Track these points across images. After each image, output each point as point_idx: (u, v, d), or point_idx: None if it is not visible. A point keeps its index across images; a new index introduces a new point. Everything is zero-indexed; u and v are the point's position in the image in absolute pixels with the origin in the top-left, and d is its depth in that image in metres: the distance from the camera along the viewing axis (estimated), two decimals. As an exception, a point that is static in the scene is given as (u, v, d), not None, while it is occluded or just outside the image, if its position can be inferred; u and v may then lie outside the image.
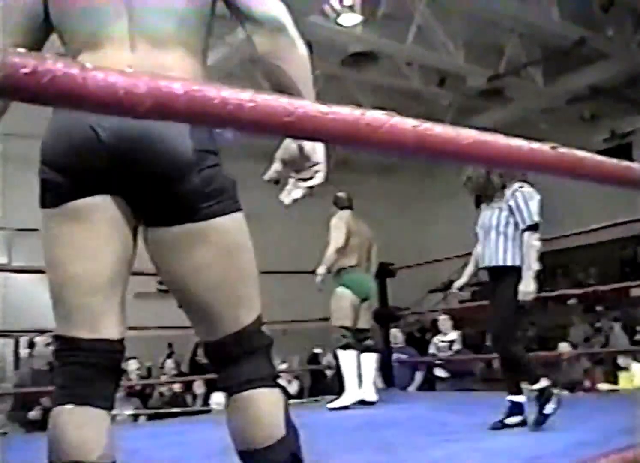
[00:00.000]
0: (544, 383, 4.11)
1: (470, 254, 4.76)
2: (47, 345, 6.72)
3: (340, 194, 6.65)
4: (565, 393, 7.27)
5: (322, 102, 0.94)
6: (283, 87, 1.66)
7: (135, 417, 9.19)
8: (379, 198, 17.33)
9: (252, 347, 1.70)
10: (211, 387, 10.33)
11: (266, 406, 1.68)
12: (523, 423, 4.18)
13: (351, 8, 11.20)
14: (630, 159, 1.98)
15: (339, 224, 6.28)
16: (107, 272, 1.63)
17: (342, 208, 6.52)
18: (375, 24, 11.48)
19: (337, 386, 6.38)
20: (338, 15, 11.23)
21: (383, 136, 0.97)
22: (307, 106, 0.90)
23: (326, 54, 12.72)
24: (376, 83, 13.61)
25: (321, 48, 12.57)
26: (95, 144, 1.56)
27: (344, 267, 6.19)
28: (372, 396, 6.10)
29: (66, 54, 1.68)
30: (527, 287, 4.14)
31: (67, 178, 1.63)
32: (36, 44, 1.73)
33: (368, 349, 6.24)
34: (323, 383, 10.80)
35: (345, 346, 6.07)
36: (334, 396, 6.17)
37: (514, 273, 4.21)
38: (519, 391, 4.27)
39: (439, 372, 9.22)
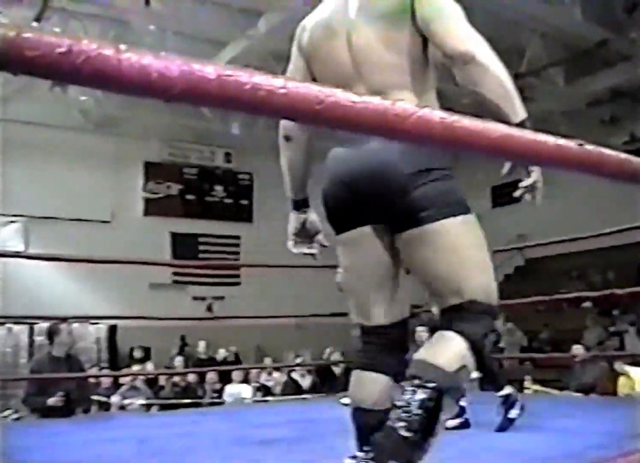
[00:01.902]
0: (507, 390, 4.27)
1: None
2: (69, 333, 6.75)
3: None
4: (579, 395, 7.24)
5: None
6: (489, 109, 1.97)
7: (147, 407, 9.23)
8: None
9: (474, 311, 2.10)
10: (225, 380, 10.37)
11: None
12: (464, 425, 4.29)
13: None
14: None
15: None
16: (375, 279, 2.20)
17: None
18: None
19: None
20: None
21: (411, 127, 0.97)
22: (338, 94, 0.89)
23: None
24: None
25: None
26: (345, 191, 2.15)
27: None
28: None
29: None
30: None
31: (340, 214, 2.20)
32: None
33: None
34: (332, 380, 10.81)
35: None
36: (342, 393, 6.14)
37: None
38: (502, 386, 4.35)
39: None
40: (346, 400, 5.89)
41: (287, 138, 2.27)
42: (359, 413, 2.20)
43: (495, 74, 1.96)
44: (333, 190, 2.16)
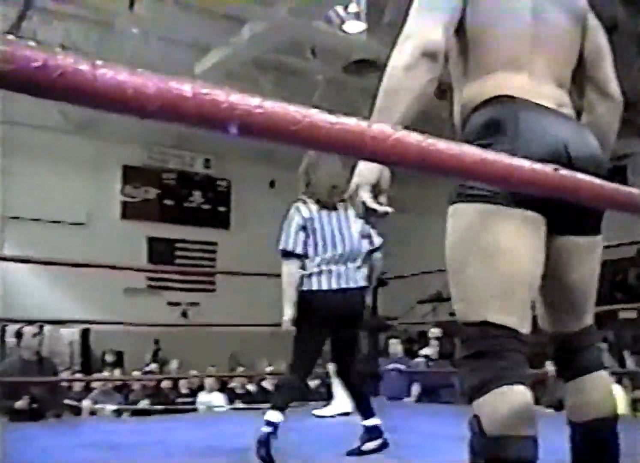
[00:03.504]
0: (375, 421, 4.13)
1: None
2: (35, 335, 6.70)
3: None
4: (551, 411, 7.26)
5: (327, 110, 0.93)
6: (599, 139, 1.99)
7: (119, 412, 9.18)
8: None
9: (593, 341, 2.07)
10: (198, 387, 10.34)
11: (606, 385, 2.07)
12: (384, 446, 4.10)
13: (356, 15, 11.22)
14: (625, 182, 2.07)
15: None
16: (538, 274, 1.85)
17: None
18: (379, 32, 11.49)
19: (321, 394, 6.35)
20: (343, 22, 11.25)
21: (388, 150, 0.97)
22: (315, 115, 0.89)
23: (329, 60, 12.75)
24: (377, 90, 13.62)
25: (324, 54, 12.61)
26: (564, 162, 1.69)
27: None
28: (347, 406, 6.05)
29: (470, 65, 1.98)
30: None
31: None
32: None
33: None
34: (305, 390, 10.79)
35: None
36: (314, 403, 6.14)
37: None
38: (372, 414, 4.18)
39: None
40: (319, 412, 5.89)
41: (433, 56, 1.79)
42: (534, 445, 1.71)
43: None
44: (537, 157, 1.55)
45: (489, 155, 1.09)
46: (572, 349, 2.05)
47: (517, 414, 1.69)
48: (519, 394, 1.72)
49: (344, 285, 4.09)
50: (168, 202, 15.54)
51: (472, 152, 1.06)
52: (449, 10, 1.87)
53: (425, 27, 1.82)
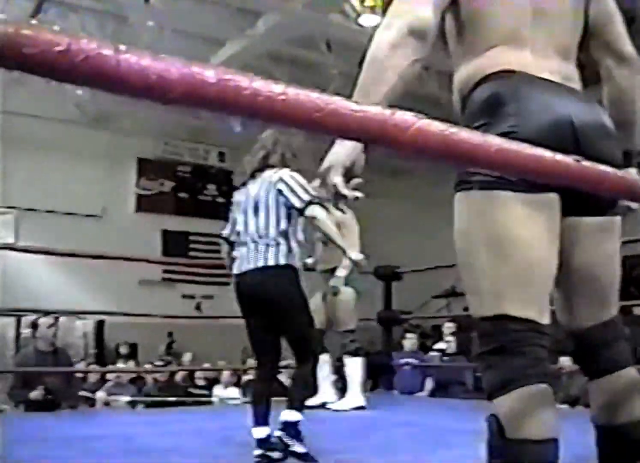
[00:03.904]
0: (297, 416, 3.74)
1: None
2: (50, 326, 6.73)
3: None
4: (565, 407, 7.24)
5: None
6: (625, 111, 1.98)
7: (132, 404, 9.21)
8: (388, 201, 17.32)
9: (618, 335, 1.91)
10: (213, 380, 10.36)
11: (636, 383, 1.89)
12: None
13: (372, 9, 11.18)
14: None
15: (353, 222, 6.14)
16: (554, 260, 1.74)
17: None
18: (395, 26, 11.45)
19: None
20: (359, 15, 11.21)
21: (409, 138, 0.96)
22: (337, 102, 0.89)
23: (344, 54, 12.71)
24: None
25: (339, 47, 12.57)
26: (569, 137, 1.67)
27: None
28: (360, 400, 6.02)
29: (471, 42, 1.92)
30: None
31: None
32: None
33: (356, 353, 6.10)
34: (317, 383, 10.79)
35: (356, 352, 6.00)
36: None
37: None
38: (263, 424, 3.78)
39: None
40: (334, 406, 5.86)
41: (421, 34, 1.71)
42: (555, 448, 1.65)
43: None
44: (543, 136, 1.61)
45: (511, 145, 1.08)
46: (594, 344, 1.89)
47: (539, 416, 1.63)
48: (540, 395, 1.64)
49: (244, 268, 3.84)
50: (183, 195, 15.55)
51: (494, 142, 1.06)
52: None
53: (414, 4, 1.72)
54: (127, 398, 9.15)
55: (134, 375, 10.22)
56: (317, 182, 1.88)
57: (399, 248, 14.80)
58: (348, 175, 1.76)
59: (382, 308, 7.42)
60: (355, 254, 4.41)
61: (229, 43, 11.67)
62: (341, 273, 5.82)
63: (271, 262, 3.74)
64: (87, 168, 13.70)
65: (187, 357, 12.35)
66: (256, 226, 3.82)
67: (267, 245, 3.76)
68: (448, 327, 9.74)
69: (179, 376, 10.52)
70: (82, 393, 8.55)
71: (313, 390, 4.34)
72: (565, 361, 8.26)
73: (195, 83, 0.79)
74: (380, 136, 0.93)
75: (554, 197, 1.70)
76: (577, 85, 1.89)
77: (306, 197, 3.76)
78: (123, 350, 12.85)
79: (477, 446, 3.90)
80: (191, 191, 15.67)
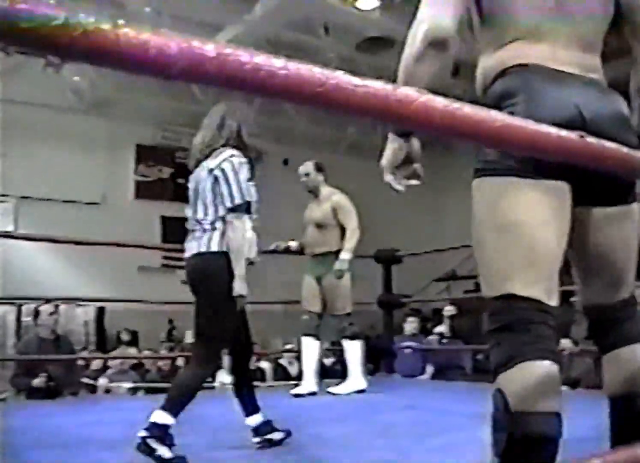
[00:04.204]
0: (258, 418, 3.60)
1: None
2: (51, 314, 6.73)
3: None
4: (566, 389, 7.26)
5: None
6: None
7: (134, 390, 9.22)
8: (388, 185, 17.27)
9: (632, 313, 2.00)
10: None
11: None
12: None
13: (369, -8, 11.15)
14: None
15: (350, 204, 6.06)
16: (562, 243, 1.82)
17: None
18: (392, 9, 11.41)
19: (337, 371, 6.33)
20: (356, -1, 11.18)
21: (412, 113, 0.95)
22: (339, 77, 0.88)
23: (342, 37, 12.68)
24: (390, 69, 13.52)
25: (337, 31, 12.53)
26: (578, 126, 1.62)
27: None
28: (362, 383, 5.99)
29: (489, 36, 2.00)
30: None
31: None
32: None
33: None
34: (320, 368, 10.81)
35: (355, 335, 5.98)
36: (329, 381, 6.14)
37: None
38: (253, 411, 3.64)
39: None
40: (334, 390, 5.86)
41: (441, 44, 1.81)
42: (557, 422, 1.72)
43: None
44: (556, 119, 1.59)
45: (515, 121, 1.07)
46: (609, 321, 2.00)
47: (542, 389, 1.69)
48: (543, 369, 1.70)
49: (187, 254, 3.79)
50: (181, 181, 15.51)
51: (498, 117, 1.05)
52: None
53: (436, 12, 1.82)
54: (129, 385, 9.17)
55: (135, 362, 10.24)
56: None
57: (399, 231, 14.81)
58: (408, 161, 1.91)
59: (382, 291, 7.41)
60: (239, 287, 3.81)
61: (227, 28, 11.64)
62: (346, 255, 5.77)
63: (203, 248, 3.64)
64: (85, 155, 13.67)
65: (188, 337, 12.34)
66: (194, 211, 3.78)
67: (204, 231, 3.67)
68: (448, 310, 9.75)
69: (181, 363, 10.53)
70: (83, 380, 8.57)
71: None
72: (566, 343, 8.29)
73: (195, 58, 0.78)
74: (384, 111, 0.92)
75: (562, 185, 1.77)
76: (597, 75, 1.93)
77: (237, 200, 3.62)
78: (124, 336, 12.87)
79: (479, 429, 3.91)
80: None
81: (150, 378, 9.84)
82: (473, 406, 4.79)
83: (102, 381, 9.10)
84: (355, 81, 0.89)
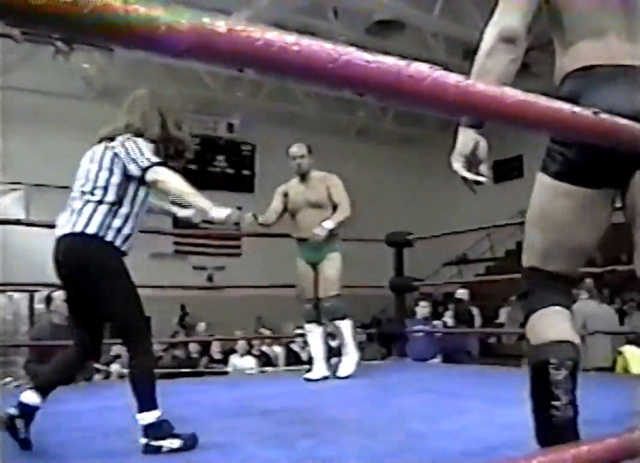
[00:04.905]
0: (152, 417, 3.20)
1: (487, 228, 4.57)
2: (64, 300, 6.75)
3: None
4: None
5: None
6: None
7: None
8: (400, 169, 17.26)
9: None
10: (229, 350, 10.40)
11: None
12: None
13: (379, -25, 11.09)
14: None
15: (337, 180, 5.91)
16: (585, 240, 2.14)
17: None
18: (402, -8, 11.37)
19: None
20: (365, -18, 11.13)
21: (425, 89, 0.94)
22: (352, 53, 0.87)
23: (351, 21, 12.62)
24: (400, 53, 13.36)
25: (346, 14, 12.47)
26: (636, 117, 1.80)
27: (336, 233, 5.82)
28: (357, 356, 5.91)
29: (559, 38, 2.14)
30: None
31: (591, 162, 1.97)
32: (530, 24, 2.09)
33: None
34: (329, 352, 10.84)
35: (345, 316, 5.85)
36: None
37: None
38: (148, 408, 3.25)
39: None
40: (311, 375, 5.76)
41: (510, 40, 2.00)
42: (568, 347, 2.03)
43: None
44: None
45: (530, 97, 1.06)
46: None
47: (552, 324, 2.10)
48: (552, 312, 2.13)
49: (57, 233, 3.48)
50: (192, 167, 15.56)
51: (512, 94, 1.03)
52: None
53: (505, 14, 2.03)
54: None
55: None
56: None
57: (411, 215, 14.79)
58: (474, 160, 2.05)
59: (393, 275, 7.40)
60: (222, 211, 3.65)
61: (236, 13, 11.60)
62: (329, 224, 5.63)
63: (78, 228, 3.38)
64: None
65: (201, 327, 12.38)
66: (81, 189, 3.53)
67: (81, 209, 3.46)
68: (460, 293, 9.75)
69: (193, 349, 10.57)
70: (97, 366, 8.61)
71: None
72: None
73: (205, 34, 0.77)
74: (396, 87, 0.91)
75: (599, 192, 2.03)
76: None
77: (145, 162, 3.43)
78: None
79: (493, 412, 3.91)
80: (201, 163, 15.66)
81: (164, 364, 9.89)
82: (485, 389, 4.81)
83: (115, 367, 9.14)
84: (367, 56, 0.88)
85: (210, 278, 14.98)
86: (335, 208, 5.81)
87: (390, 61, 0.90)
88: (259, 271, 12.76)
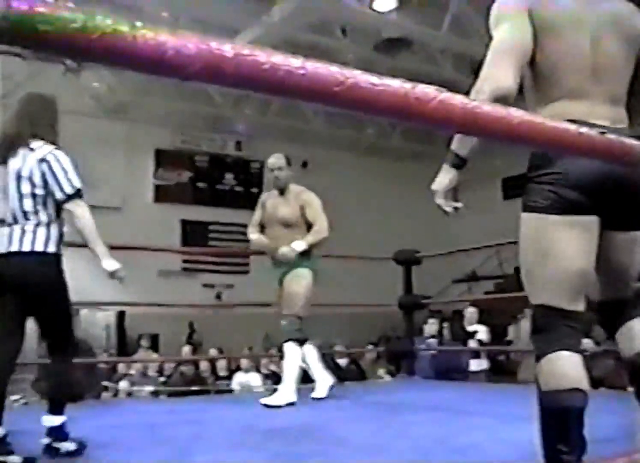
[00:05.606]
0: (57, 420, 3.37)
1: (495, 246, 4.52)
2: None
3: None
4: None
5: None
6: None
7: (155, 394, 9.25)
8: (408, 186, 17.27)
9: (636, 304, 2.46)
10: (236, 368, 10.38)
11: None
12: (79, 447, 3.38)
13: (386, -6, 11.14)
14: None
15: (319, 203, 5.56)
16: (586, 267, 2.28)
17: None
18: (410, 10, 11.40)
19: (353, 373, 6.27)
20: (373, 0, 11.17)
21: (431, 111, 0.94)
22: (358, 76, 0.87)
23: (359, 39, 12.67)
24: (408, 70, 13.54)
25: (355, 32, 12.52)
26: (614, 178, 2.15)
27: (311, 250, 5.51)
28: (294, 396, 5.33)
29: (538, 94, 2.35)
30: None
31: (585, 198, 2.20)
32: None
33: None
34: (337, 370, 10.82)
35: (301, 342, 5.49)
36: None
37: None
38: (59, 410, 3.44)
39: (474, 365, 9.19)
40: (267, 401, 5.52)
41: (504, 100, 2.06)
42: (577, 395, 2.18)
43: None
44: (589, 179, 2.18)
45: (536, 118, 1.06)
46: (620, 306, 2.44)
47: (562, 372, 2.18)
48: (563, 357, 2.20)
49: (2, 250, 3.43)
50: (201, 185, 15.61)
51: (518, 114, 1.04)
52: (520, 54, 2.23)
53: (498, 73, 2.17)
54: (150, 388, 9.20)
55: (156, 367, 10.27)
56: None
57: (419, 232, 14.78)
58: (453, 193, 2.38)
59: (402, 293, 7.39)
60: (111, 264, 3.89)
61: (244, 31, 11.66)
62: (300, 245, 5.35)
63: (25, 247, 3.46)
64: (104, 160, 13.74)
65: (211, 352, 12.33)
66: (10, 206, 3.49)
67: (24, 229, 3.49)
68: (469, 312, 9.73)
69: (203, 367, 10.54)
70: (105, 383, 8.61)
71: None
72: (587, 343, 8.23)
73: (213, 58, 0.78)
74: (403, 108, 0.92)
75: (593, 219, 2.22)
76: (624, 124, 2.27)
77: (69, 189, 3.51)
78: (144, 341, 12.91)
79: (501, 429, 3.89)
80: (209, 181, 15.72)
81: (172, 382, 9.87)
82: (493, 406, 4.78)
83: (123, 385, 9.14)
84: (374, 79, 0.89)
85: (218, 296, 14.98)
86: (309, 227, 5.52)
87: (396, 84, 0.91)
88: (267, 289, 12.74)
